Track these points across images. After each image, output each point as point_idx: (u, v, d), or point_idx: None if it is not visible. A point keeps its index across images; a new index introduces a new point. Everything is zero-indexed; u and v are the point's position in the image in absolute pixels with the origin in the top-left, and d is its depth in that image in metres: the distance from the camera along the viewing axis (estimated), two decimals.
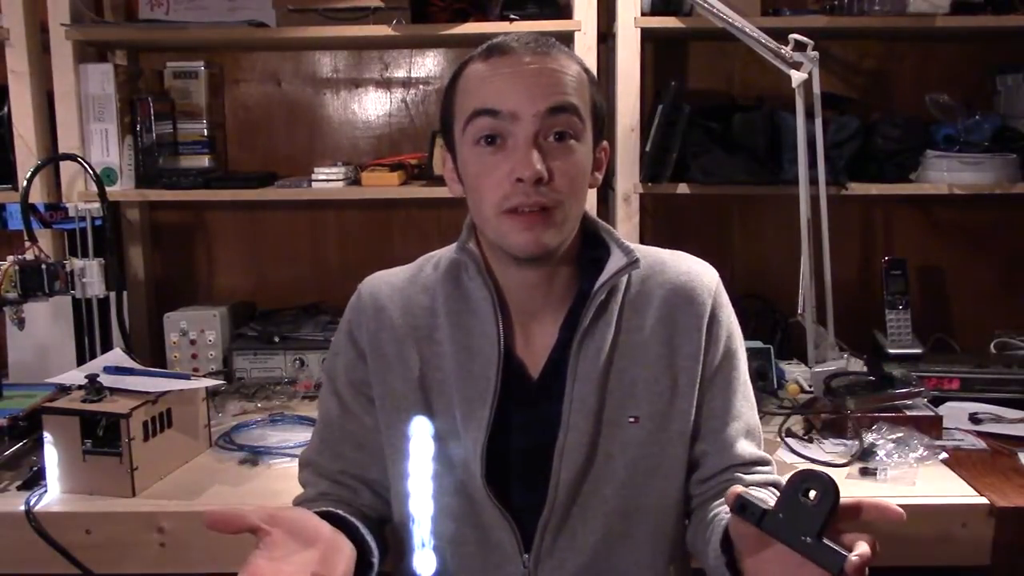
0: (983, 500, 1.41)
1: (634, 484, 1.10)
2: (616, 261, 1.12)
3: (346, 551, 0.99)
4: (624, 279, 1.13)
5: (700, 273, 1.16)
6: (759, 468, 1.16)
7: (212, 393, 1.74)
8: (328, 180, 1.98)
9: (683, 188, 1.95)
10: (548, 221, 1.04)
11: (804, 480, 0.88)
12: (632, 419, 1.10)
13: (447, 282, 1.15)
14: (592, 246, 1.15)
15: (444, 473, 1.11)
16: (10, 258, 1.69)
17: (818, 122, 1.77)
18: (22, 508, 1.39)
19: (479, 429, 1.09)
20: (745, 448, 1.15)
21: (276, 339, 2.05)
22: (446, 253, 1.19)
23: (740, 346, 1.18)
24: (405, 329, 1.15)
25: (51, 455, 1.44)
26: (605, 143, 1.14)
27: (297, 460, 1.24)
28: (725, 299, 1.17)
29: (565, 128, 1.04)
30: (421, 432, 1.12)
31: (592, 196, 1.90)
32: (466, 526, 1.11)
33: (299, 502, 1.18)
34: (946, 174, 1.96)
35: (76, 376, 1.54)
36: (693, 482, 1.16)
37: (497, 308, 1.11)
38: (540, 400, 1.11)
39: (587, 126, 1.07)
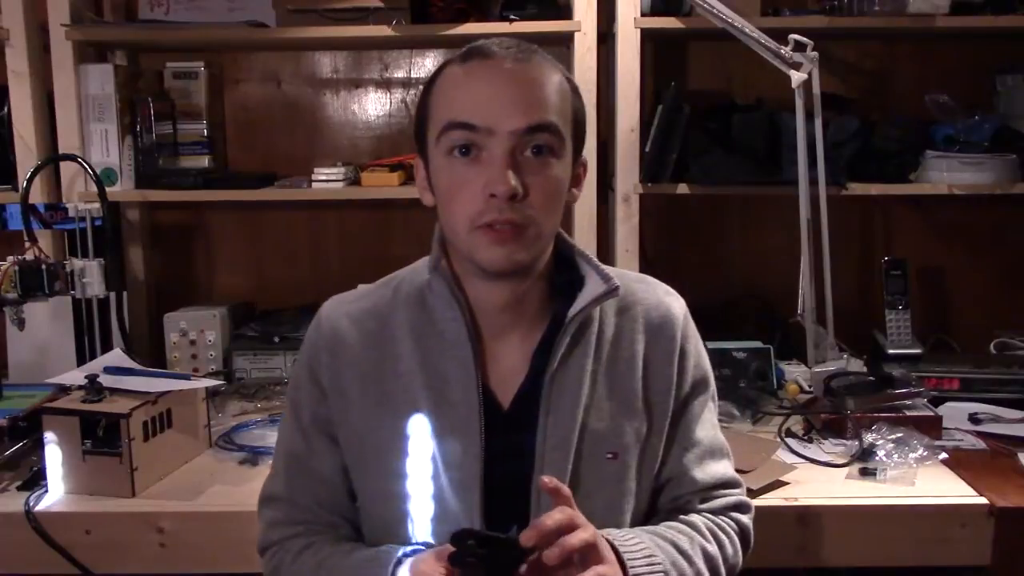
0: (983, 500, 1.41)
1: (610, 519, 1.07)
2: (593, 288, 1.07)
3: None
4: (599, 308, 1.09)
5: (669, 305, 1.13)
6: (720, 491, 1.14)
7: (212, 393, 1.74)
8: (328, 180, 1.98)
9: (683, 188, 1.95)
10: (520, 238, 0.99)
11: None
12: (610, 455, 1.07)
13: (410, 306, 1.10)
14: (567, 268, 1.11)
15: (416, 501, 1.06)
16: (10, 258, 1.69)
17: (818, 122, 1.77)
18: (22, 508, 1.39)
19: (469, 465, 1.04)
20: (702, 473, 1.13)
21: (276, 339, 2.05)
22: (408, 275, 1.14)
23: (706, 373, 1.16)
24: (367, 364, 1.09)
25: (51, 455, 1.44)
26: (585, 159, 1.10)
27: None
28: (692, 329, 1.15)
29: (542, 145, 0.99)
30: (418, 437, 1.07)
31: (592, 197, 1.90)
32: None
33: (273, 540, 1.13)
34: (946, 174, 1.95)
35: (76, 376, 1.54)
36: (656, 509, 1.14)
37: (469, 326, 1.06)
38: (511, 431, 1.06)
39: (566, 143, 1.02)
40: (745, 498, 1.18)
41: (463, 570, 0.92)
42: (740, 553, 1.13)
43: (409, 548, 1.03)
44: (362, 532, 1.14)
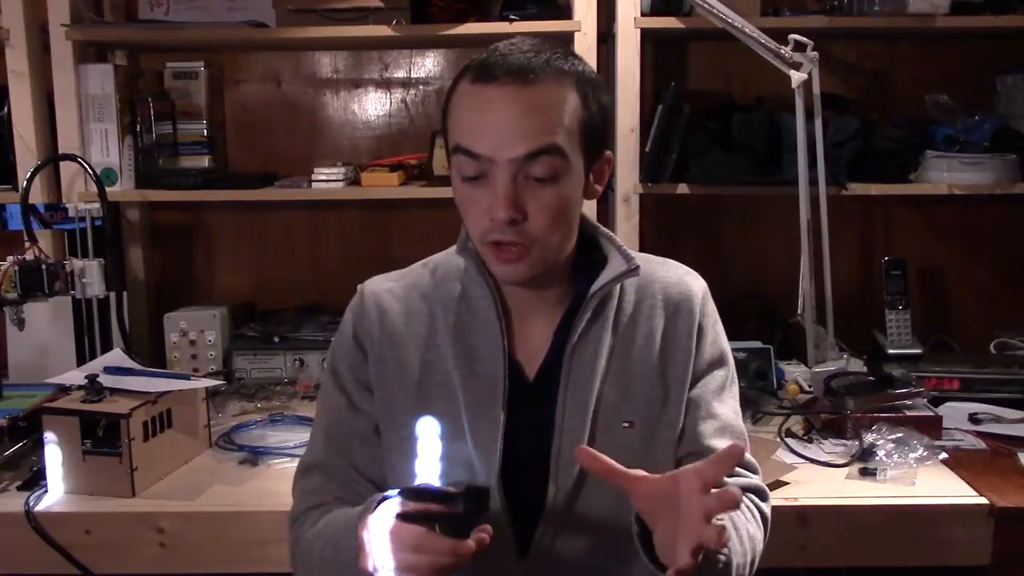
0: (983, 500, 1.41)
1: None
2: (615, 267, 1.12)
3: None
4: (618, 285, 1.14)
5: (689, 284, 1.17)
6: (740, 470, 1.14)
7: (212, 393, 1.74)
8: (328, 180, 1.98)
9: (683, 188, 1.95)
10: (526, 256, 1.04)
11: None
12: (627, 424, 1.11)
13: (445, 286, 1.16)
14: (590, 248, 1.16)
15: (448, 476, 1.09)
16: (10, 258, 1.69)
17: (818, 122, 1.77)
18: (22, 508, 1.39)
19: (492, 432, 1.08)
20: (720, 444, 1.12)
21: (276, 339, 2.05)
22: (442, 258, 1.20)
23: (724, 353, 1.18)
24: (406, 336, 1.15)
25: (51, 455, 1.44)
26: (608, 153, 1.12)
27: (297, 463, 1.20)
28: (710, 307, 1.18)
29: (544, 169, 1.02)
30: (428, 432, 1.09)
31: None
32: None
33: (300, 511, 1.15)
34: (946, 174, 1.96)
35: (76, 376, 1.54)
36: None
37: (499, 306, 1.12)
38: (535, 404, 1.11)
39: (572, 157, 1.04)
40: (764, 485, 1.17)
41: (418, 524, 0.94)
42: (761, 539, 1.12)
43: (392, 491, 1.02)
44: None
